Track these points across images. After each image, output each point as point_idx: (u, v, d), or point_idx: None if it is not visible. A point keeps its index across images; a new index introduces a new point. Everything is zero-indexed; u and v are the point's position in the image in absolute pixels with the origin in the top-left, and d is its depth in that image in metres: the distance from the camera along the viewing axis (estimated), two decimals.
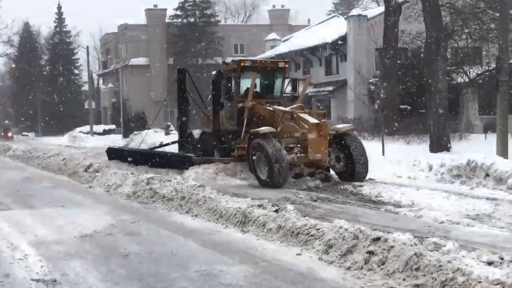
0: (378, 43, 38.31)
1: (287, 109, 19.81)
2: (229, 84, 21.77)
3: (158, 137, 41.43)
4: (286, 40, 60.62)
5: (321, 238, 9.22)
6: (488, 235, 10.37)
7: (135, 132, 46.01)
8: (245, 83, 21.57)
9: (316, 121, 18.23)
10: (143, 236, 10.96)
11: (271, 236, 10.25)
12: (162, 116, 69.42)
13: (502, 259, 7.48)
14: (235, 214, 11.68)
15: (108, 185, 17.34)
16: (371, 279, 7.61)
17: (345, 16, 49.44)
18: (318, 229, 9.57)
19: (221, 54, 70.78)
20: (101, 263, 8.96)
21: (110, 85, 78.38)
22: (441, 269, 7.15)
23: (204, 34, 71.39)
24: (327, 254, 8.77)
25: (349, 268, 8.13)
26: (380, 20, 39.93)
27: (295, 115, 19.07)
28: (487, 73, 33.67)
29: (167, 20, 74.15)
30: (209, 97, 26.09)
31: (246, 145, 19.39)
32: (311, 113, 19.89)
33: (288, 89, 22.81)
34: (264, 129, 18.23)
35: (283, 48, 56.04)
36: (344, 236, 8.86)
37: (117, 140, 47.94)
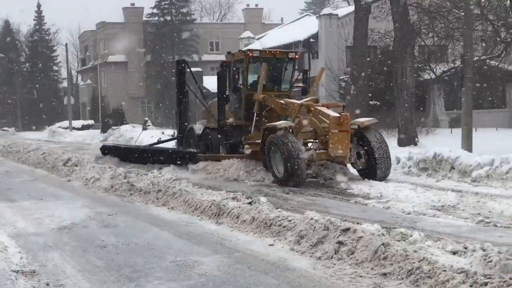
0: (349, 41, 38.40)
1: (303, 101, 18.11)
2: (236, 76, 20.01)
3: (136, 133, 41.37)
4: (260, 38, 60.52)
5: (293, 229, 9.23)
6: (452, 226, 10.46)
7: (113, 127, 45.82)
8: (253, 75, 19.99)
9: (337, 114, 16.31)
10: (120, 228, 10.91)
11: (244, 227, 10.24)
12: (139, 111, 69.82)
13: (466, 248, 7.52)
14: (210, 207, 11.66)
15: (87, 179, 17.22)
16: (341, 268, 7.64)
17: (317, 15, 49.51)
18: (290, 220, 9.58)
19: (197, 52, 71.01)
20: (79, 255, 8.92)
21: (89, 81, 78.03)
22: (408, 258, 7.19)
23: (180, 32, 71.29)
24: (299, 244, 8.78)
25: (319, 258, 8.15)
26: (350, 19, 40.06)
27: (312, 108, 17.25)
28: (453, 70, 33.91)
29: (144, 18, 74.30)
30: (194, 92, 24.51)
31: (257, 141, 17.84)
32: (328, 105, 18.07)
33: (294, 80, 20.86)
34: (282, 123, 16.60)
35: (257, 46, 55.89)
36: (315, 227, 8.88)
37: (95, 135, 47.69)
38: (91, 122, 64.47)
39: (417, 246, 7.66)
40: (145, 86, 72.15)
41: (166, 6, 73.09)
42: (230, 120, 20.17)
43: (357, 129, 16.78)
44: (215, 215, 11.29)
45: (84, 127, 60.25)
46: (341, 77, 39.30)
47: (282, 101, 18.23)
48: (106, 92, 69.62)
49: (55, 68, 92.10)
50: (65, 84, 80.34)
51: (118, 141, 39.72)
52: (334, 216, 9.90)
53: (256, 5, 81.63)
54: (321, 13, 47.17)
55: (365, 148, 16.69)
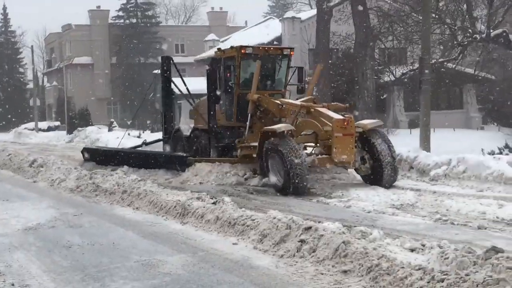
0: (311, 43, 38.61)
1: (300, 102, 16.59)
2: (228, 74, 18.16)
3: (102, 134, 41.13)
4: (225, 40, 60.55)
5: (256, 228, 9.25)
6: (411, 224, 10.57)
7: (79, 129, 45.47)
8: (245, 73, 18.30)
9: (341, 116, 14.98)
10: (86, 228, 10.82)
11: (209, 227, 10.23)
12: (105, 112, 69.39)
13: (423, 246, 7.61)
14: (174, 207, 11.62)
15: (52, 180, 17.03)
16: (303, 266, 7.66)
17: (280, 18, 49.71)
18: (254, 219, 9.60)
19: (162, 54, 70.57)
20: (45, 255, 8.83)
21: (55, 83, 77.15)
22: (367, 256, 7.24)
23: (146, 34, 71.06)
24: (262, 243, 8.80)
25: (282, 256, 8.17)
26: (312, 22, 40.25)
27: (312, 110, 15.70)
28: (411, 72, 34.20)
29: (110, 21, 73.84)
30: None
31: (252, 144, 16.54)
32: (329, 107, 16.35)
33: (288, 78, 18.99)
34: (281, 126, 14.97)
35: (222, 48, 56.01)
36: (277, 226, 8.90)
37: (61, 136, 47.22)
38: (57, 123, 63.74)
39: (377, 244, 7.74)
40: (111, 87, 71.87)
41: (131, 9, 72.94)
42: (221, 121, 18.62)
43: (361, 132, 15.27)
44: (179, 215, 11.26)
45: (50, 129, 59.54)
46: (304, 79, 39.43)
47: (278, 102, 16.80)
48: (72, 93, 68.93)
49: (21, 70, 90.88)
50: (31, 85, 79.40)
51: (84, 142, 39.46)
52: (297, 215, 9.94)
53: (221, 8, 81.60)
54: (284, 17, 47.41)
55: (370, 152, 15.29)
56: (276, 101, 16.87)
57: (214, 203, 11.16)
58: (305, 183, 14.31)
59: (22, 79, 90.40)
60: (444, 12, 28.64)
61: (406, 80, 35.74)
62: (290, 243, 8.38)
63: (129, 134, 40.72)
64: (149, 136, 37.45)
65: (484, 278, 5.89)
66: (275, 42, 45.37)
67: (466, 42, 28.66)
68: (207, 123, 18.62)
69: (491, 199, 12.37)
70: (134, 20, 72.75)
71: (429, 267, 6.57)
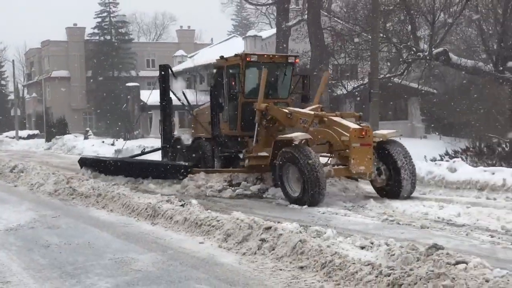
0: None
1: (312, 111, 14.73)
2: (233, 83, 16.42)
3: (78, 142, 40.74)
4: (192, 56, 60.57)
5: (221, 228, 9.23)
6: (361, 224, 10.65)
7: (57, 137, 45.02)
8: (250, 81, 16.66)
9: (357, 126, 13.43)
10: (63, 229, 10.69)
11: (177, 227, 10.18)
12: (81, 121, 68.80)
13: (372, 243, 7.66)
14: (146, 209, 11.55)
15: (32, 184, 16.80)
16: (263, 263, 7.67)
17: (243, 37, 49.91)
18: (219, 220, 9.58)
19: (135, 68, 70.62)
20: (25, 254, 8.71)
21: (34, 94, 76.49)
22: (322, 253, 7.27)
23: (119, 50, 70.80)
24: (226, 242, 8.78)
25: (244, 253, 8.17)
26: (272, 40, 40.50)
27: (326, 119, 13.94)
28: (362, 87, 34.54)
29: (86, 37, 73.67)
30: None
31: (261, 154, 15.21)
32: (342, 115, 14.63)
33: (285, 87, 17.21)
34: (298, 135, 13.43)
35: (189, 63, 56.01)
36: (240, 226, 8.90)
37: (40, 144, 46.60)
38: (36, 132, 63.06)
39: (330, 242, 7.76)
40: (86, 99, 71.53)
41: (106, 27, 72.81)
42: (224, 130, 16.86)
43: (379, 142, 13.68)
44: (150, 216, 11.19)
45: (29, 137, 58.83)
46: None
47: (286, 110, 15.18)
48: (50, 104, 68.34)
49: (3, 82, 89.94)
50: (12, 97, 78.47)
51: (62, 149, 39.00)
52: (258, 216, 9.94)
53: (189, 26, 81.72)
54: (246, 35, 47.60)
55: (387, 163, 13.66)
56: (284, 110, 15.31)
57: (182, 205, 11.11)
58: (323, 194, 12.80)
59: (3, 91, 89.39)
60: (391, 32, 28.99)
61: (357, 93, 36.09)
62: (252, 241, 8.38)
63: (103, 142, 40.49)
64: (122, 143, 37.24)
65: (426, 272, 5.96)
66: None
67: (410, 60, 29.03)
68: (210, 132, 17.02)
69: (432, 201, 12.55)
70: (109, 37, 72.61)
71: (377, 263, 6.62)
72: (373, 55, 23.95)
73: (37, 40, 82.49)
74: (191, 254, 8.41)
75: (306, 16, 35.85)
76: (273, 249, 7.96)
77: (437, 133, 39.79)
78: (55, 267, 7.86)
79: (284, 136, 14.06)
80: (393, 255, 6.81)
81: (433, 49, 25.10)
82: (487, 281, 5.52)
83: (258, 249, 8.12)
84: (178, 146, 18.38)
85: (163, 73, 18.72)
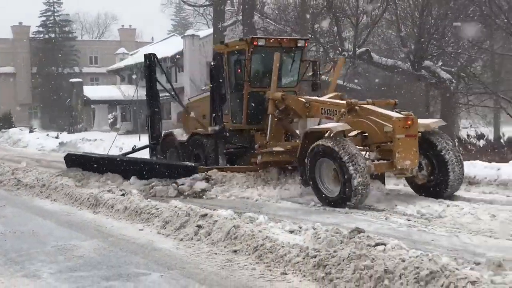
0: (208, 58, 38.62)
1: (333, 100, 12.85)
2: (238, 70, 14.14)
3: (24, 135, 39.77)
4: (134, 54, 59.82)
5: (159, 216, 9.16)
6: (291, 209, 10.75)
7: (3, 130, 44.06)
8: (257, 68, 14.35)
9: (400, 115, 10.99)
10: (8, 218, 10.41)
11: (118, 215, 10.05)
12: (27, 116, 67.19)
13: (300, 228, 7.73)
14: (88, 198, 11.36)
15: None
16: (199, 248, 7.65)
17: (182, 36, 49.55)
18: (158, 208, 9.50)
19: (78, 65, 69.53)
20: None
21: None
22: (254, 237, 7.30)
23: (63, 47, 69.55)
24: (165, 228, 8.72)
25: (182, 239, 8.12)
26: (210, 39, 40.31)
27: (358, 108, 11.52)
28: None
29: (31, 35, 71.93)
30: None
31: (276, 149, 13.17)
32: (375, 103, 11.91)
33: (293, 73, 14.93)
34: (337, 126, 10.98)
35: (130, 60, 55.38)
36: (178, 213, 8.85)
37: None
38: None
39: (262, 227, 7.80)
40: (31, 94, 69.93)
41: (50, 25, 71.40)
42: (227, 124, 14.56)
43: (423, 133, 11.26)
44: (92, 205, 11.01)
45: None
46: (202, 88, 39.45)
47: (303, 99, 13.05)
48: None
49: None
50: None
51: (8, 142, 37.96)
52: (195, 204, 9.89)
53: (130, 25, 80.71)
54: (185, 34, 47.29)
55: (431, 157, 11.38)
56: (301, 98, 13.19)
57: (123, 194, 11.00)
58: (367, 195, 10.62)
59: None
60: (319, 32, 29.21)
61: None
62: (189, 228, 8.35)
63: (47, 135, 39.64)
64: (66, 137, 36.49)
65: (349, 254, 6.05)
66: (177, 56, 45.23)
67: (337, 59, 29.35)
68: (206, 126, 14.82)
69: None
70: (53, 35, 71.14)
71: (305, 246, 6.68)
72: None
73: None
74: (131, 240, 8.32)
75: (240, 17, 35.93)
76: (209, 235, 7.95)
77: None
78: (0, 255, 7.63)
79: (317, 127, 11.69)
80: (319, 238, 6.89)
81: (356, 49, 25.42)
82: (403, 261, 5.64)
83: (194, 235, 8.09)
84: (170, 143, 16.05)
85: (148, 62, 15.93)
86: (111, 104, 51.67)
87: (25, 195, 13.30)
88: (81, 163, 15.34)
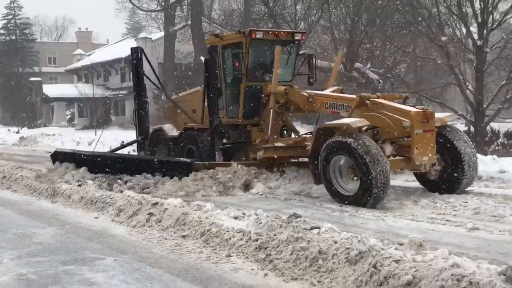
0: (160, 59, 38.21)
1: (341, 94, 11.78)
2: (236, 63, 12.95)
3: None
4: (90, 55, 58.74)
5: (114, 205, 9.00)
6: (236, 198, 10.70)
7: None
8: (254, 61, 13.01)
9: (418, 109, 9.82)
10: None
11: (75, 204, 9.82)
12: None
13: (244, 214, 7.71)
14: (46, 189, 11.07)
15: None
16: (151, 233, 7.55)
17: (135, 38, 48.97)
18: (112, 198, 9.33)
19: (38, 64, 68.03)
20: None
21: None
22: (201, 223, 7.25)
23: (23, 48, 67.83)
24: (118, 216, 8.58)
25: (134, 226, 8.00)
26: (161, 42, 40.03)
27: (368, 102, 10.23)
28: None
29: None
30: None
31: (278, 144, 11.95)
32: (385, 97, 10.63)
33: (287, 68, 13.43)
34: (355, 121, 9.60)
35: (87, 61, 54.40)
36: (131, 202, 8.72)
37: None
38: None
39: (209, 214, 7.74)
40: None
41: (11, 28, 69.56)
42: (224, 118, 13.15)
43: (438, 127, 10.08)
44: (50, 195, 10.73)
45: None
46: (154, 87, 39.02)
47: (306, 93, 11.77)
48: None
49: None
50: None
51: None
52: (147, 193, 9.80)
53: (86, 28, 79.29)
54: (138, 37, 46.86)
55: (446, 152, 10.18)
56: (304, 93, 11.94)
57: (79, 185, 10.76)
58: (387, 193, 9.33)
59: None
60: None
61: None
62: (141, 215, 8.23)
63: (8, 130, 38.57)
64: (26, 132, 35.57)
65: (287, 237, 6.07)
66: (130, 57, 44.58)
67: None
68: (196, 121, 13.62)
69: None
70: (14, 37, 69.28)
71: (247, 230, 6.67)
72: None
73: None
74: (87, 227, 8.15)
75: (190, 22, 35.70)
76: (160, 222, 7.86)
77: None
78: None
79: (332, 123, 10.16)
80: (261, 223, 6.88)
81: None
82: (335, 242, 5.70)
83: (146, 222, 7.99)
84: (159, 139, 14.46)
85: (135, 56, 14.07)
86: (69, 101, 50.68)
87: None
88: (72, 160, 13.17)
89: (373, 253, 5.27)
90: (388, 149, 9.92)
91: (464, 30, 22.65)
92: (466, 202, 9.42)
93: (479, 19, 21.66)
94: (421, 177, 10.60)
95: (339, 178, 9.77)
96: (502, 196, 9.94)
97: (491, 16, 21.81)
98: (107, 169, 12.46)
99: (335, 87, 12.74)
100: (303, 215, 7.27)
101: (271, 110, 12.16)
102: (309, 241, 5.87)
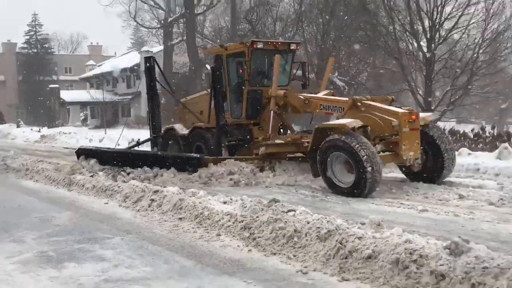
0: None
1: (332, 97, 11.60)
2: (240, 70, 12.76)
3: (13, 129, 38.26)
4: (100, 65, 58.33)
5: (121, 192, 8.93)
6: (224, 187, 10.65)
7: None
8: (255, 68, 12.74)
9: (405, 110, 9.69)
10: None
11: (88, 192, 9.73)
12: (14, 114, 64.51)
13: (231, 199, 7.68)
14: (63, 179, 10.95)
15: None
16: (152, 216, 7.51)
17: (139, 51, 48.73)
18: (119, 186, 9.26)
19: (56, 74, 67.79)
20: None
21: None
22: (195, 208, 7.22)
23: (43, 60, 67.44)
24: (125, 202, 8.51)
25: (138, 210, 7.95)
26: (161, 54, 39.71)
27: (359, 104, 10.02)
28: None
29: (17, 50, 69.55)
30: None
31: (277, 142, 11.61)
32: (376, 100, 10.38)
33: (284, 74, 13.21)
34: (351, 121, 9.46)
35: (98, 70, 54.15)
36: (136, 190, 8.66)
37: None
38: None
39: (202, 199, 7.71)
40: (18, 97, 67.38)
41: (33, 42, 68.99)
42: (229, 119, 12.84)
43: (422, 126, 9.85)
44: (67, 184, 10.61)
45: None
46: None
47: (302, 96, 11.60)
48: None
49: None
50: None
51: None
52: (150, 183, 9.74)
53: (97, 42, 78.48)
54: (141, 50, 46.73)
55: (428, 147, 10.02)
56: (300, 96, 11.73)
57: (92, 176, 10.67)
58: (378, 184, 9.14)
59: None
60: None
61: None
62: (144, 201, 8.17)
63: (31, 129, 38.14)
64: (46, 131, 35.19)
65: (268, 218, 6.07)
66: (135, 67, 44.42)
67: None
68: (204, 121, 13.17)
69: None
70: (35, 50, 68.77)
71: (234, 213, 6.66)
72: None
73: None
74: (98, 212, 8.09)
75: (185, 37, 35.54)
76: (160, 206, 7.81)
77: None
78: None
79: (330, 123, 10.23)
80: (246, 207, 6.87)
81: None
82: (308, 222, 5.70)
83: (148, 207, 7.94)
84: (170, 136, 13.89)
85: (148, 65, 13.55)
86: (82, 105, 50.58)
87: (13, 177, 12.69)
88: (94, 157, 12.89)
89: (339, 232, 5.28)
90: (378, 145, 9.74)
91: (415, 45, 22.82)
92: (417, 188, 9.50)
93: (428, 35, 21.87)
94: (405, 169, 10.39)
95: (337, 172, 9.42)
96: (448, 183, 10.04)
97: (438, 33, 22.02)
98: (120, 164, 12.14)
99: (327, 91, 12.53)
100: (281, 200, 7.27)
101: (272, 111, 11.89)
102: (286, 221, 5.87)
